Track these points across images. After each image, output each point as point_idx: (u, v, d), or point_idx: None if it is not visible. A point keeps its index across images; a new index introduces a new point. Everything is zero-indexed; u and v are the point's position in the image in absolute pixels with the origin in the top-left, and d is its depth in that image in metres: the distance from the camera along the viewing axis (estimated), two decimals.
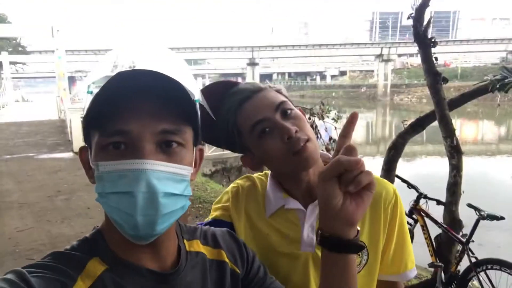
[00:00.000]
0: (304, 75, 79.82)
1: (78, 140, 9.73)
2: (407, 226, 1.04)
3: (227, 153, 8.94)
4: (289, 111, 0.90)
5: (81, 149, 0.68)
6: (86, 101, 0.63)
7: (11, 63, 31.88)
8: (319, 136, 4.40)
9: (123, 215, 0.59)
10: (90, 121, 0.62)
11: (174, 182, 0.62)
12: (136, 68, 0.63)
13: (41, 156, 9.43)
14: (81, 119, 0.66)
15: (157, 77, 0.59)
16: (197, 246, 0.76)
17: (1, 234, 4.52)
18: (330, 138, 4.48)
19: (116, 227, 0.62)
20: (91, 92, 0.62)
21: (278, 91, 0.95)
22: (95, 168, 0.62)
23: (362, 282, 0.95)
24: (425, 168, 12.33)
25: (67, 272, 0.59)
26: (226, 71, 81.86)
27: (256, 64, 53.65)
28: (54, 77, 21.62)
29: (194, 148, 0.68)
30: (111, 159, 0.60)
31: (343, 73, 74.89)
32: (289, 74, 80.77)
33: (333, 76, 75.64)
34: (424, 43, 2.87)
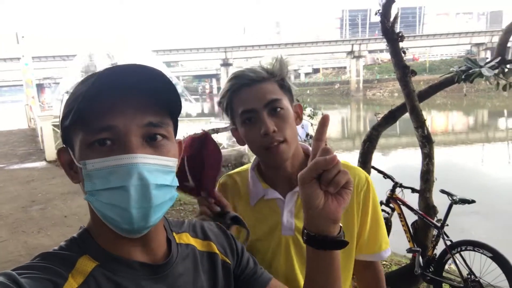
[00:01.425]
0: None
1: (50, 149, 9.45)
2: (380, 210, 1.12)
3: None
4: (278, 109, 0.96)
5: (60, 151, 0.67)
6: (62, 103, 0.63)
7: None
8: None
9: (117, 210, 0.59)
10: (73, 120, 0.61)
11: (163, 173, 0.63)
12: (117, 64, 0.63)
13: (12, 167, 9.10)
14: (59, 121, 0.66)
15: (138, 71, 0.60)
16: (187, 238, 0.77)
17: None
18: (307, 135, 4.58)
19: (108, 224, 0.62)
20: (68, 92, 0.62)
21: (281, 86, 1.01)
22: (82, 167, 0.61)
23: None
24: (400, 159, 12.66)
25: (57, 271, 0.59)
26: (200, 72, 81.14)
27: (230, 64, 53.49)
28: (21, 85, 20.89)
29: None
30: (98, 156, 0.60)
31: (316, 71, 75.72)
32: None
33: (306, 74, 76.36)
34: (392, 38, 2.96)
